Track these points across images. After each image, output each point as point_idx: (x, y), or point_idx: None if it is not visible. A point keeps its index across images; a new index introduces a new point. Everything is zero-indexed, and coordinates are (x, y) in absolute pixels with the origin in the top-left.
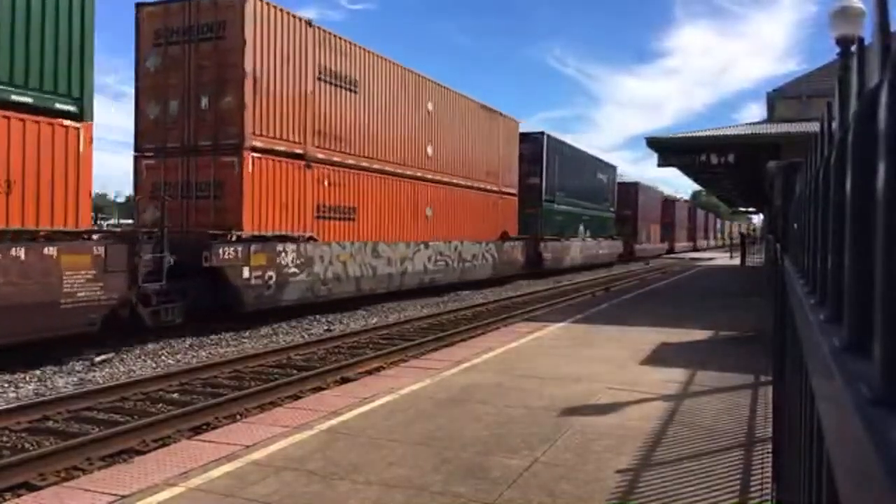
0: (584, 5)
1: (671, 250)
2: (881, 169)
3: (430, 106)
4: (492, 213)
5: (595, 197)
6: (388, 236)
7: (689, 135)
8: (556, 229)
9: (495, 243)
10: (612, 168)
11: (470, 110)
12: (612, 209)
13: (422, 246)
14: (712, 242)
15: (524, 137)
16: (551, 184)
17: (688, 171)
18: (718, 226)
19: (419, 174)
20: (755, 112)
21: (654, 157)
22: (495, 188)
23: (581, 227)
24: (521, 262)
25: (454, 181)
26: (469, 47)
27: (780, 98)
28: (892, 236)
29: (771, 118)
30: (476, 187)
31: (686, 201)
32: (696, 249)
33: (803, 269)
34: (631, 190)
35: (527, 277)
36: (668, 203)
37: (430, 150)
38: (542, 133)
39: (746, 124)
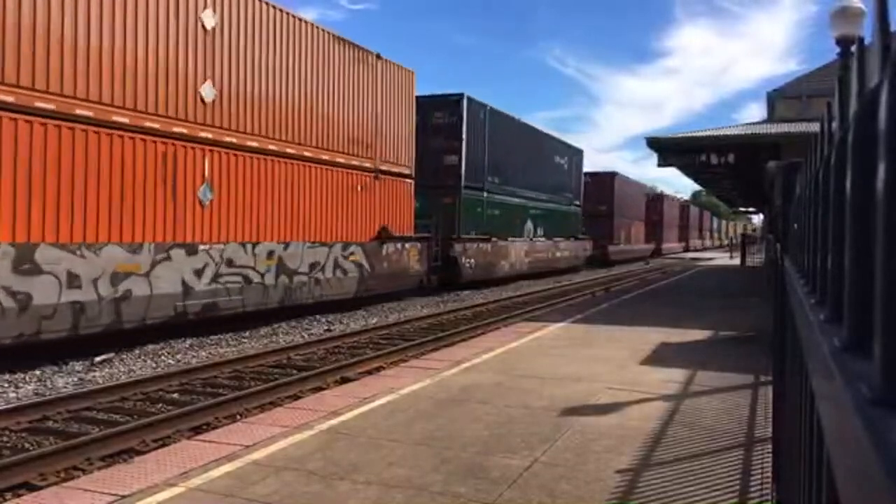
0: (584, 5)
1: (657, 252)
2: (881, 169)
3: (208, 18)
4: (360, 202)
5: (551, 186)
6: (90, 233)
7: (689, 135)
8: (488, 226)
9: (365, 245)
10: (577, 152)
11: (312, 41)
12: (577, 203)
13: (177, 251)
14: (708, 243)
15: (438, 102)
16: (477, 165)
17: (688, 171)
18: (715, 225)
19: (181, 130)
20: (755, 112)
21: (654, 157)
22: (368, 165)
23: (529, 225)
24: (419, 273)
25: (269, 147)
26: (469, 47)
27: (780, 98)
28: (892, 236)
29: (771, 118)
30: (326, 161)
31: (676, 198)
32: (688, 250)
33: (803, 269)
34: (606, 181)
35: (430, 294)
36: (655, 199)
37: (207, 90)
38: (462, 95)
39: (746, 124)
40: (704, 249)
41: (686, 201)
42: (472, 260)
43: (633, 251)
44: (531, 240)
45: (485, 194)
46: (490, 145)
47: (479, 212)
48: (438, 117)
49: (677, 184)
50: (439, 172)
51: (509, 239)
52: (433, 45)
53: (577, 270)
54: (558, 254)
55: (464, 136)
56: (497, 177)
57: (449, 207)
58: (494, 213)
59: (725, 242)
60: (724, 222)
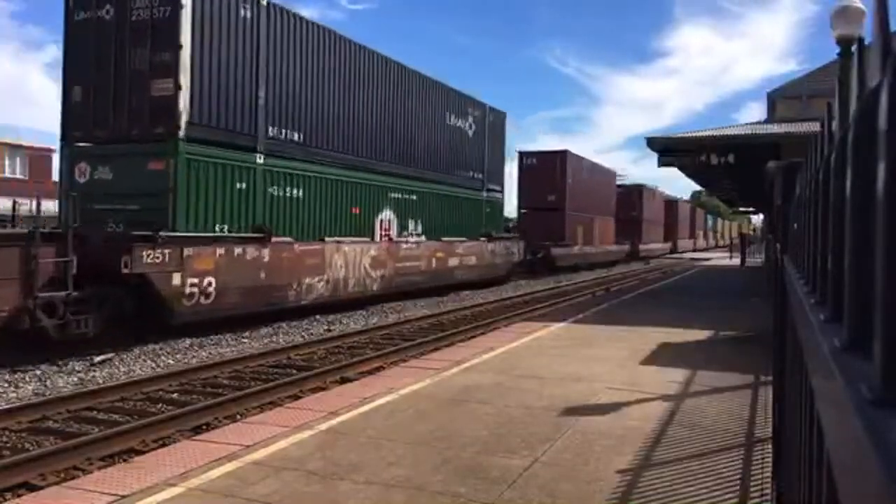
0: (583, 5)
1: (634, 254)
2: (881, 169)
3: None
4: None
5: (437, 160)
6: None
7: (689, 135)
8: (279, 217)
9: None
10: (495, 115)
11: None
12: (496, 188)
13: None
14: (702, 243)
15: None
16: (231, 101)
17: (688, 171)
18: (710, 223)
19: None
20: (755, 112)
21: (655, 157)
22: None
23: (386, 216)
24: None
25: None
26: (469, 47)
27: (780, 98)
28: (892, 236)
29: (771, 118)
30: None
31: (658, 191)
32: (675, 252)
33: (803, 269)
34: (554, 163)
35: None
36: (630, 192)
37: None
38: None
39: (746, 124)
40: (697, 251)
41: (674, 199)
42: (209, 281)
43: (594, 254)
44: (392, 240)
45: (259, 158)
46: (278, 70)
47: (241, 190)
48: (139, 7)
49: (677, 184)
50: (140, 112)
51: (328, 239)
52: (433, 45)
53: (498, 283)
54: (455, 261)
55: (185, 38)
56: (299, 132)
57: (157, 178)
58: (290, 195)
59: (722, 243)
60: (722, 221)
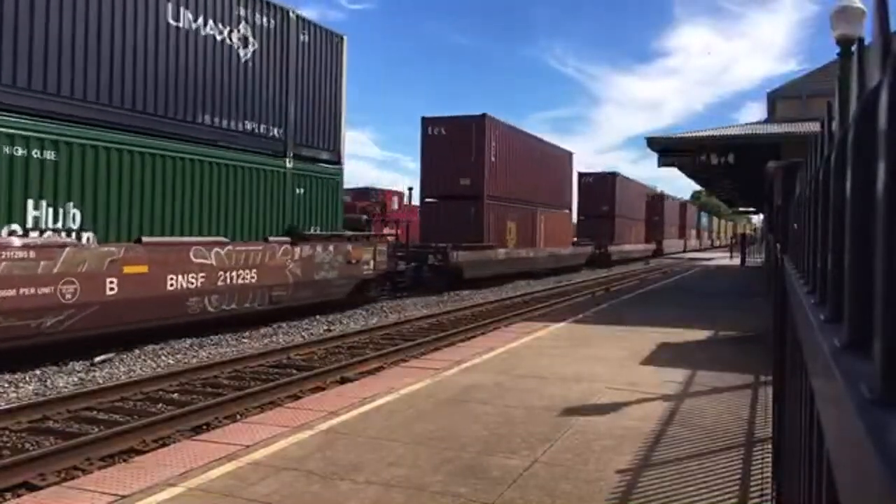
0: (583, 5)
1: (603, 258)
2: (881, 169)
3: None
4: None
5: (159, 94)
6: None
7: (689, 135)
8: None
9: None
10: (325, 36)
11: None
12: (324, 158)
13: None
14: (694, 243)
15: None
16: None
17: (688, 171)
18: (704, 222)
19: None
20: (755, 112)
21: (654, 157)
22: None
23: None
24: None
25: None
26: (469, 47)
27: (780, 98)
28: (892, 236)
29: (771, 118)
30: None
31: (632, 180)
32: (659, 253)
33: (803, 269)
34: (471, 134)
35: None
36: (600, 181)
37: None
38: None
39: (746, 124)
40: (687, 252)
41: (659, 193)
42: None
43: (534, 259)
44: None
45: None
46: None
47: None
48: None
49: (677, 184)
50: None
51: None
52: (433, 45)
53: (334, 308)
54: (192, 280)
55: None
56: None
57: None
58: None
59: (718, 243)
60: (718, 220)
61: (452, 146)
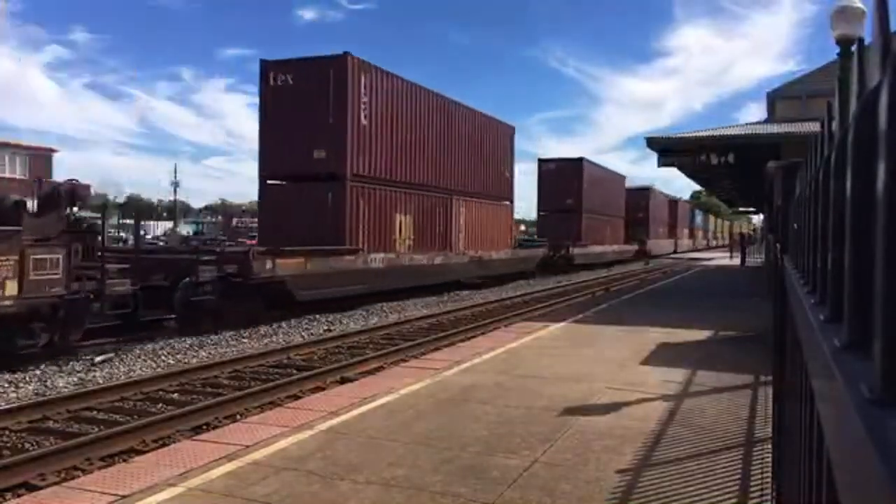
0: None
1: (563, 261)
2: (881, 169)
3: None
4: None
5: None
6: None
7: (689, 135)
8: None
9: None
10: None
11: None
12: None
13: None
14: (687, 243)
15: None
16: None
17: (687, 171)
18: (699, 221)
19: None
20: (755, 112)
21: (654, 157)
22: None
23: None
24: None
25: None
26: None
27: (780, 98)
28: (892, 236)
29: (771, 118)
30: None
31: (623, 178)
32: (643, 255)
33: (803, 269)
34: (352, 87)
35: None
36: (565, 170)
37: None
38: None
39: (746, 124)
40: (679, 253)
41: (645, 187)
42: None
43: (438, 268)
44: None
45: None
46: None
47: None
48: None
49: (677, 184)
50: None
51: None
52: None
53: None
54: None
55: None
56: None
57: None
58: None
59: (715, 244)
60: (715, 220)
61: (302, 102)
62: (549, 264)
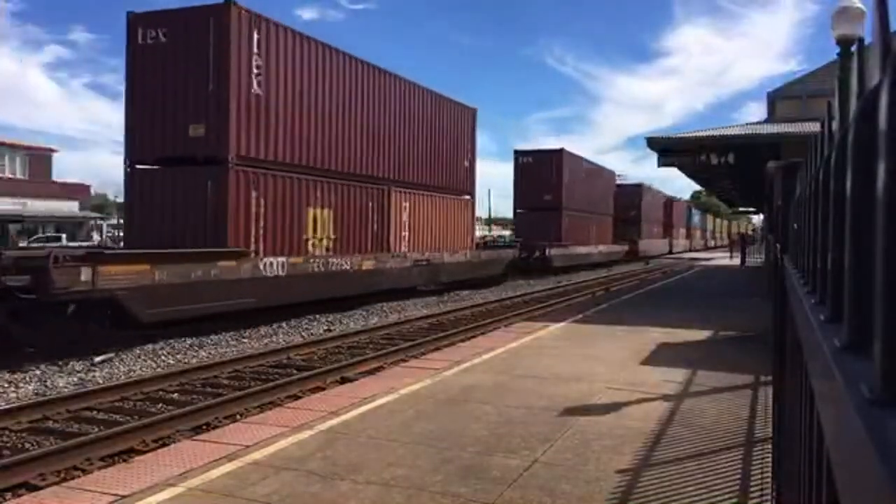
0: (583, 5)
1: (539, 263)
2: (881, 169)
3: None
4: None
5: None
6: None
7: (689, 135)
8: None
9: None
10: None
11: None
12: None
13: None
14: (683, 243)
15: None
16: None
17: (688, 171)
18: (696, 220)
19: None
20: (755, 112)
21: (654, 157)
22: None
23: None
24: None
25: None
26: (468, 46)
27: (781, 98)
28: (892, 236)
29: (771, 118)
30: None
31: (609, 172)
32: (634, 256)
33: (803, 269)
34: (239, 42)
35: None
36: (543, 162)
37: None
38: None
39: (746, 124)
40: (674, 254)
41: (635, 183)
42: None
43: (368, 274)
44: None
45: None
46: None
47: None
48: None
49: (677, 184)
50: None
51: None
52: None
53: None
54: None
55: None
56: None
57: None
58: None
59: (713, 244)
60: (714, 219)
61: (178, 64)
62: (522, 268)
